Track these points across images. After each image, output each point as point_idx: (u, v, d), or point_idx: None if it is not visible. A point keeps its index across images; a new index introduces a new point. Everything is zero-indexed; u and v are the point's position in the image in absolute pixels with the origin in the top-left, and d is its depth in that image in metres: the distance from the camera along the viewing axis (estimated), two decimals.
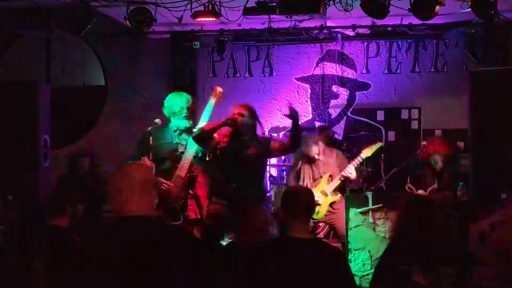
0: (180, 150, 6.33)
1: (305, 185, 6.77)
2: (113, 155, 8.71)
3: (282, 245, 3.91)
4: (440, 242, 4.14)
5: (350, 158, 7.77)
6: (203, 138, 5.87)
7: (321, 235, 7.18)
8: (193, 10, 6.65)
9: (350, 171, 6.71)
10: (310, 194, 4.09)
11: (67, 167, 8.14)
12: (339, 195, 6.82)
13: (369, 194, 6.77)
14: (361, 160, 6.94)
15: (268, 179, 8.53)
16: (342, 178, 6.78)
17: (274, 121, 9.25)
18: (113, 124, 9.34)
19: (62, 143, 8.67)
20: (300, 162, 6.96)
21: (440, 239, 4.17)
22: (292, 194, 4.06)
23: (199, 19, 6.80)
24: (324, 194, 6.72)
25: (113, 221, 2.89)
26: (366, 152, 6.99)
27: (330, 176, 6.81)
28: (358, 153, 7.05)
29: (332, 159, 6.90)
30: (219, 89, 6.15)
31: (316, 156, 6.82)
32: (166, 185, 6.32)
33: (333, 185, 6.78)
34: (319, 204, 6.66)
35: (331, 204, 6.80)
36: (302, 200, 3.96)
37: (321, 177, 6.85)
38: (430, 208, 4.29)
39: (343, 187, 7.60)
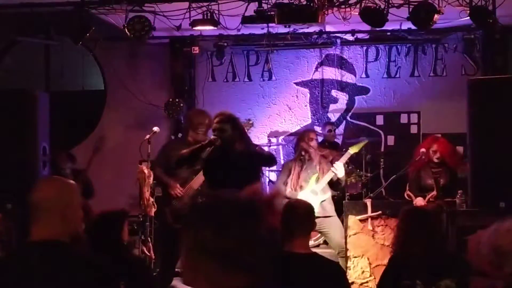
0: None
1: (293, 184, 6.76)
2: (111, 160, 8.73)
3: (280, 260, 3.91)
4: (441, 254, 4.15)
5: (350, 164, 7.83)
6: (181, 162, 5.93)
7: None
8: (191, 19, 6.64)
9: (337, 168, 6.58)
10: (310, 209, 4.09)
11: None
12: (329, 193, 6.76)
13: (368, 202, 6.79)
14: (348, 156, 6.90)
15: (267, 184, 8.53)
16: (331, 176, 6.73)
17: (273, 126, 9.25)
18: (113, 128, 9.32)
19: (61, 148, 8.64)
20: (291, 162, 6.94)
21: (440, 251, 4.18)
22: (291, 209, 4.05)
23: (198, 28, 6.80)
24: (314, 193, 6.68)
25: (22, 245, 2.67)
26: (353, 149, 6.97)
27: (318, 176, 6.78)
28: (345, 151, 7.02)
29: (323, 159, 6.87)
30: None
31: (311, 151, 6.76)
32: (178, 192, 6.47)
33: (322, 184, 6.72)
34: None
35: (321, 203, 6.75)
36: (302, 215, 3.95)
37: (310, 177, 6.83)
38: (429, 220, 4.30)
39: (343, 194, 7.61)
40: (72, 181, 2.65)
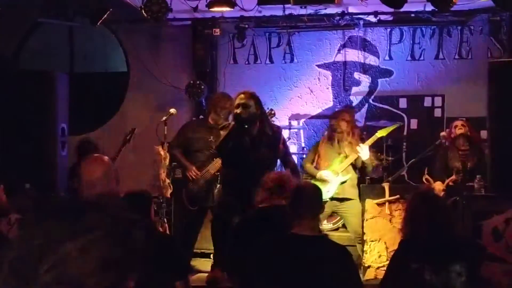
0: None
1: (318, 162, 6.72)
2: (134, 141, 8.76)
3: (285, 242, 3.91)
4: (451, 239, 4.09)
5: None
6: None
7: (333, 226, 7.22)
8: (208, 0, 6.62)
9: (361, 149, 6.55)
10: (318, 191, 4.08)
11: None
12: (350, 174, 6.73)
13: (386, 185, 6.72)
14: (374, 140, 6.84)
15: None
16: (354, 158, 6.67)
17: (294, 109, 9.18)
18: (135, 111, 9.36)
19: (84, 130, 8.73)
20: (321, 141, 6.92)
21: (449, 235, 4.12)
22: (299, 192, 4.06)
23: (215, 9, 6.77)
24: (335, 173, 6.65)
25: None
26: (381, 132, 6.91)
27: (345, 156, 6.72)
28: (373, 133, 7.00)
29: (353, 140, 6.81)
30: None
31: (343, 130, 6.70)
32: (194, 174, 6.51)
33: (344, 165, 6.67)
34: (328, 182, 6.64)
35: (341, 184, 6.70)
36: (309, 199, 3.95)
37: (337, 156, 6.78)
38: (436, 203, 4.22)
39: (363, 177, 7.53)
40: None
